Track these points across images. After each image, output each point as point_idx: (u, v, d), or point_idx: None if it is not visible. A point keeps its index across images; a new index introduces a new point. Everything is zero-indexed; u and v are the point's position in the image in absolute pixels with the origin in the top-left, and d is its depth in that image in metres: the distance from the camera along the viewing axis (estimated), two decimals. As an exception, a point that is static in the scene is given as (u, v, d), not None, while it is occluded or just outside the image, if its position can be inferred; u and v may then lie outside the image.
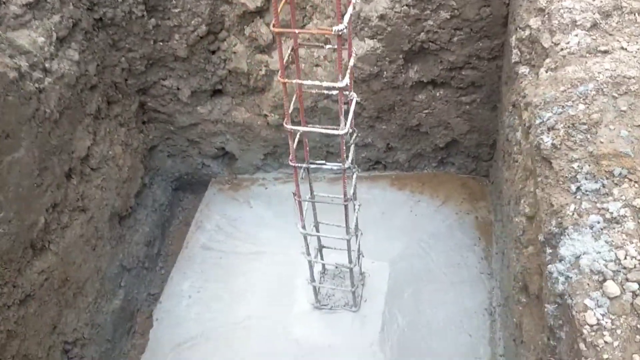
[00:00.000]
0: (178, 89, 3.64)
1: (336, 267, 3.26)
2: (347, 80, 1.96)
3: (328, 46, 2.28)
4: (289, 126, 2.16)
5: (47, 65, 2.74)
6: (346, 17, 1.82)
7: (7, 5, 2.62)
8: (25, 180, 2.58)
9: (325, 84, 1.97)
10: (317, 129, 2.21)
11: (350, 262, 2.83)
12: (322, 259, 3.10)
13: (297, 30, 1.84)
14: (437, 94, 3.44)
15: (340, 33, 1.80)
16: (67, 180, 2.95)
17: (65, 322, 2.95)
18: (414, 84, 3.39)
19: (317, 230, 2.89)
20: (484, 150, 3.72)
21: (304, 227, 2.68)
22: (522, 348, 2.41)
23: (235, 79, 3.60)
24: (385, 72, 3.31)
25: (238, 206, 3.97)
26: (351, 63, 2.06)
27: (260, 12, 3.31)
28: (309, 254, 2.86)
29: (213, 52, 3.50)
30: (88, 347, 3.15)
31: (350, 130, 2.19)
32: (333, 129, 2.19)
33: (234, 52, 3.48)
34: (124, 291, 3.49)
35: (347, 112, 2.20)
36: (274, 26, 1.84)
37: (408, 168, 3.97)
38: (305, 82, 2.00)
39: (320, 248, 3.05)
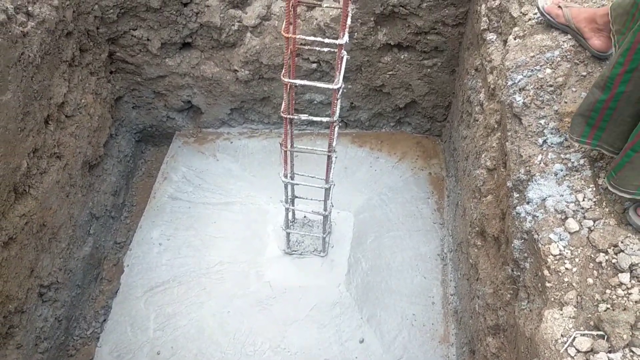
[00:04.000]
0: (148, 40, 3.65)
1: (304, 217, 3.48)
2: (347, 38, 2.13)
3: (326, 5, 2.42)
4: (286, 79, 2.32)
5: (29, 8, 2.72)
6: (351, -21, 1.98)
7: (-12, -56, 2.56)
8: (11, 124, 2.59)
9: (327, 40, 2.13)
10: (312, 83, 2.37)
11: (325, 209, 3.05)
12: (293, 206, 3.29)
13: (306, -11, 1.98)
14: (402, 57, 3.66)
15: (346, -6, 1.96)
16: (45, 126, 2.96)
17: (41, 266, 3.00)
18: (381, 46, 3.59)
19: (294, 180, 3.08)
20: (439, 111, 4.02)
21: (286, 176, 2.86)
22: (478, 284, 2.74)
23: (207, 32, 3.65)
24: (356, 34, 3.49)
25: (204, 159, 4.07)
26: (349, 22, 2.23)
27: (236, -33, 3.37)
28: (287, 202, 3.05)
29: (185, 5, 3.52)
30: (61, 291, 3.23)
31: (342, 85, 2.38)
32: (327, 83, 2.36)
33: (207, 6, 3.52)
34: (92, 239, 3.55)
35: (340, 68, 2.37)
36: (284, -17, 1.97)
37: (368, 127, 4.21)
38: (307, 37, 2.16)
39: (293, 197, 3.24)
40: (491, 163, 2.65)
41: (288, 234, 3.31)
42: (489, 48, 2.73)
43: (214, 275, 3.39)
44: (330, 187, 2.90)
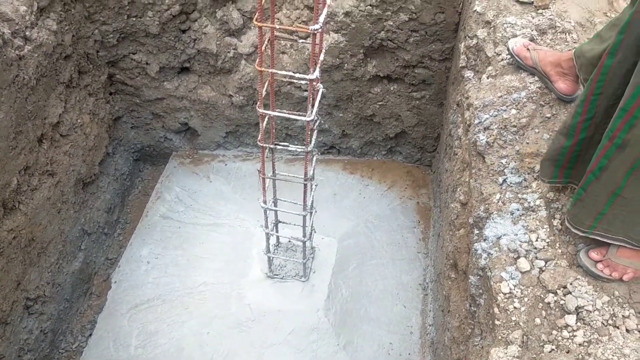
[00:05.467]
0: (147, 63, 3.79)
1: (289, 241, 3.54)
2: (317, 73, 2.22)
3: (302, 40, 2.52)
4: (261, 110, 2.41)
5: (27, 33, 2.85)
6: (321, 18, 2.07)
7: (-9, -27, 2.71)
8: (3, 142, 2.71)
9: (298, 75, 2.22)
10: (287, 114, 2.46)
11: (304, 236, 3.11)
12: (277, 232, 3.36)
13: (277, 26, 2.07)
14: (392, 88, 3.74)
15: (315, 32, 2.05)
16: (39, 145, 3.08)
17: (28, 280, 3.10)
18: (371, 77, 3.68)
19: (276, 206, 3.15)
20: (428, 142, 4.08)
21: (265, 202, 2.94)
22: (448, 317, 2.77)
23: (204, 58, 3.78)
24: (346, 65, 3.58)
25: (198, 180, 4.17)
26: (321, 57, 2.31)
27: (232, -2, 3.50)
28: (267, 227, 3.12)
29: (184, 31, 3.66)
30: (48, 304, 3.32)
31: (315, 118, 2.45)
32: (300, 114, 2.45)
33: (204, 33, 3.65)
34: (83, 254, 3.65)
35: (313, 101, 2.45)
36: (256, 20, 2.06)
37: (360, 154, 4.28)
38: (280, 72, 2.24)
39: (277, 222, 3.31)
40: (464, 197, 2.69)
41: (270, 257, 3.38)
42: (466, 85, 2.79)
43: (197, 295, 3.46)
44: (308, 214, 2.96)
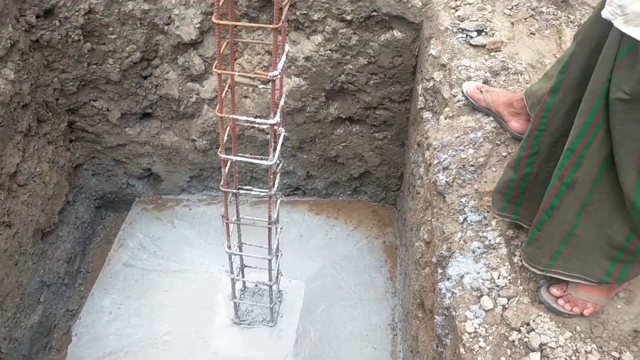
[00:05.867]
0: (108, 110, 3.76)
1: (256, 285, 3.49)
2: (278, 117, 2.24)
3: (262, 86, 2.55)
4: (222, 155, 2.40)
5: (-17, 83, 2.82)
6: (280, 65, 2.10)
7: (-54, 23, 2.69)
8: (-44, 194, 2.63)
9: (258, 120, 2.23)
10: (248, 159, 2.46)
11: (270, 280, 3.08)
12: (243, 277, 3.32)
13: (236, 73, 2.10)
14: (354, 129, 3.80)
15: (275, 78, 2.08)
16: (-5, 195, 3.00)
17: (-17, 336, 2.97)
18: (333, 119, 3.73)
19: (241, 250, 3.12)
20: (392, 181, 4.12)
21: (229, 247, 2.91)
22: (417, 357, 2.75)
23: (166, 104, 3.78)
24: (308, 107, 3.63)
25: (162, 225, 4.10)
26: (281, 102, 2.34)
27: (194, 44, 3.53)
28: (232, 272, 3.08)
29: (145, 78, 3.66)
30: (4, 362, 3.17)
31: (278, 162, 2.46)
32: (262, 158, 2.45)
33: (166, 79, 3.66)
34: (42, 307, 3.52)
35: (275, 144, 2.47)
36: (216, 67, 2.09)
37: (325, 195, 4.30)
38: (240, 117, 2.26)
39: (243, 267, 3.27)
40: (428, 236, 2.71)
41: (236, 303, 3.32)
42: (425, 126, 2.86)
43: (161, 346, 3.36)
44: (273, 258, 2.94)
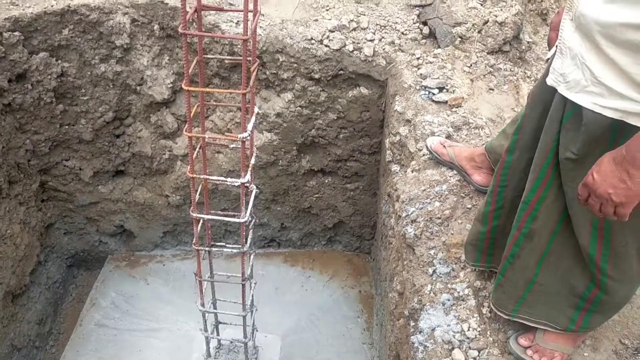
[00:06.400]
0: (80, 169, 3.77)
1: (231, 342, 3.45)
2: (249, 176, 2.29)
3: (232, 145, 2.61)
4: (194, 214, 2.43)
5: (-47, 147, 2.82)
6: (249, 126, 2.17)
7: None
8: None
9: (229, 180, 2.28)
10: (220, 217, 2.49)
11: (245, 337, 3.06)
12: (218, 334, 3.28)
13: (207, 136, 2.15)
14: (326, 181, 3.87)
15: (244, 139, 2.14)
16: (-37, 260, 2.96)
17: (-52, 408, 2.87)
18: (305, 172, 3.80)
19: (215, 307, 3.10)
20: (366, 230, 4.18)
21: (203, 304, 2.89)
22: (396, 411, 2.74)
23: (139, 161, 3.81)
24: (280, 161, 3.69)
25: (135, 283, 4.06)
26: (252, 161, 2.40)
27: (166, 103, 3.59)
28: (206, 330, 3.05)
29: (118, 136, 3.70)
30: None
31: (250, 218, 2.50)
32: (235, 215, 2.49)
33: (139, 137, 3.70)
34: (12, 372, 3.42)
35: (247, 202, 2.51)
36: (186, 131, 2.14)
37: (300, 246, 4.33)
38: (211, 178, 2.30)
39: (217, 323, 3.24)
40: (400, 287, 2.75)
41: (211, 362, 3.27)
42: (394, 178, 2.94)
43: (135, 409, 3.28)
44: (247, 314, 2.93)
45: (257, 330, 3.28)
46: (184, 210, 4.03)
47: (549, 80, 1.46)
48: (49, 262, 3.95)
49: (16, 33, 3.08)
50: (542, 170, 1.57)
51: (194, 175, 2.31)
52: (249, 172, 2.35)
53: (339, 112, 3.42)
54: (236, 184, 2.40)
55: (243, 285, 2.80)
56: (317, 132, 3.55)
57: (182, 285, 4.03)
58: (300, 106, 3.41)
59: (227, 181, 2.32)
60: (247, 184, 2.41)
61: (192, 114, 2.15)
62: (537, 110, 1.62)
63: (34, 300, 3.71)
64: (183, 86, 2.09)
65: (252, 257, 2.84)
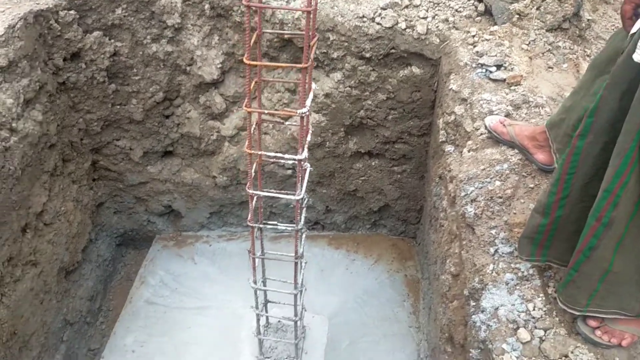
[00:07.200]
0: (130, 149, 3.82)
1: (279, 321, 3.47)
2: (306, 153, 2.27)
3: (287, 123, 2.60)
4: (250, 191, 2.43)
5: (13, 125, 2.88)
6: (308, 102, 2.15)
7: (-21, 68, 2.77)
8: (-14, 234, 2.67)
9: (287, 156, 2.27)
10: (276, 194, 2.49)
11: (295, 315, 3.06)
12: (267, 312, 3.30)
13: (265, 111, 2.14)
14: (373, 163, 3.84)
15: (303, 115, 2.13)
16: (22, 235, 3.03)
17: (8, 378, 2.96)
18: (352, 154, 3.77)
19: (265, 285, 3.11)
20: (412, 214, 4.13)
21: (255, 282, 2.91)
22: (448, 392, 2.71)
23: (187, 142, 3.84)
24: (327, 143, 3.67)
25: (182, 262, 4.11)
26: (308, 138, 2.38)
27: (215, 84, 3.61)
28: (257, 308, 3.07)
29: (167, 117, 3.74)
30: (27, 404, 3.15)
31: (304, 196, 2.49)
32: (289, 193, 2.48)
33: (188, 118, 3.73)
34: (65, 346, 3.51)
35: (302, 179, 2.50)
36: (245, 105, 2.13)
37: (344, 229, 4.31)
38: (269, 153, 2.30)
39: (266, 302, 3.25)
40: (455, 269, 2.71)
41: (261, 340, 3.29)
42: (447, 159, 2.88)
43: (185, 384, 3.33)
44: (298, 293, 2.93)
45: (305, 310, 3.29)
46: (230, 192, 4.05)
47: (637, 57, 1.39)
48: (99, 240, 4.03)
49: (72, 12, 3.12)
50: (627, 154, 1.47)
51: (252, 151, 2.31)
52: (305, 149, 2.34)
53: (389, 92, 3.37)
54: (289, 162, 2.39)
55: (296, 264, 2.80)
56: (365, 113, 3.51)
57: (229, 265, 4.07)
58: (349, 86, 3.38)
59: (284, 157, 2.31)
60: (303, 161, 2.40)
61: (250, 90, 2.14)
62: (619, 90, 1.51)
63: (85, 277, 3.79)
64: (244, 60, 2.09)
65: (303, 236, 2.84)
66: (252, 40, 2.05)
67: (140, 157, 3.85)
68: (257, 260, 2.88)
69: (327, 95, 3.43)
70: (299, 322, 3.16)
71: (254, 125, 2.39)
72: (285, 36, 3.20)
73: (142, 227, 4.31)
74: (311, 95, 2.22)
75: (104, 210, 4.09)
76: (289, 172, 3.88)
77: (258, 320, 3.17)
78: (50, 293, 3.32)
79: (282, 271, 3.11)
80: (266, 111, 2.18)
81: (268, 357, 3.33)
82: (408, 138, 3.61)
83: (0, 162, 2.74)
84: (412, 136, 3.60)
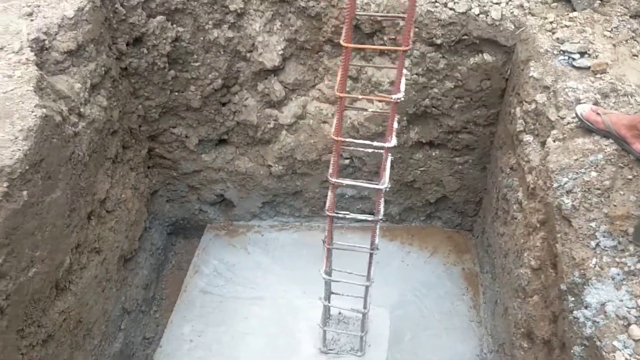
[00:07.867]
0: (186, 136, 3.78)
1: (340, 313, 3.41)
2: (394, 141, 2.20)
3: (371, 109, 2.53)
4: (334, 179, 2.37)
5: (81, 110, 2.84)
6: (402, 87, 2.08)
7: (50, 52, 2.72)
8: (59, 220, 2.63)
9: (375, 144, 2.20)
10: (359, 184, 2.42)
11: (364, 307, 3.00)
12: (330, 304, 3.24)
13: (360, 97, 2.07)
14: (433, 154, 3.74)
15: (398, 100, 2.05)
16: (88, 222, 3.00)
17: (73, 365, 2.94)
18: (413, 144, 3.68)
19: (330, 276, 3.05)
20: (470, 206, 4.04)
21: (327, 273, 2.85)
22: (527, 389, 2.64)
23: (243, 130, 3.78)
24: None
25: (235, 252, 4.07)
26: (395, 125, 2.30)
27: (275, 71, 3.54)
28: (326, 299, 3.01)
29: (224, 104, 3.67)
30: (90, 391, 3.13)
31: (388, 186, 2.42)
32: (373, 183, 2.41)
33: (245, 105, 3.66)
34: (123, 334, 3.49)
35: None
36: (338, 90, 2.06)
37: (398, 220, 4.23)
38: (357, 141, 2.23)
39: (330, 294, 3.20)
40: (535, 263, 2.62)
41: (324, 331, 3.24)
42: (525, 149, 2.79)
43: (246, 375, 3.29)
44: (370, 284, 2.87)
45: (370, 303, 3.23)
46: (285, 181, 3.99)
47: None
48: (152, 228, 4.00)
49: (137, -5, 3.07)
50: None
51: (339, 139, 2.24)
52: (394, 137, 2.27)
53: (458, 80, 3.28)
54: (372, 149, 2.32)
55: (371, 255, 2.74)
56: (430, 101, 3.42)
57: (282, 255, 4.02)
58: (416, 74, 3.29)
59: (372, 145, 2.24)
60: (392, 149, 2.33)
61: (345, 74, 2.07)
62: None
63: (140, 265, 3.77)
64: (342, 42, 2.02)
65: (378, 227, 2.77)
66: (349, 23, 1.98)
67: (195, 145, 3.81)
68: (327, 250, 2.82)
69: (391, 84, 3.34)
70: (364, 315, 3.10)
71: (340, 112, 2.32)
72: (378, 19, 3.09)
73: (193, 216, 4.27)
74: (404, 81, 2.14)
75: (157, 199, 4.06)
76: (347, 161, 3.81)
77: (325, 311, 3.12)
78: (111, 281, 3.29)
79: (345, 262, 3.06)
80: (359, 96, 2.11)
81: (332, 349, 3.29)
82: (473, 128, 3.51)
83: (70, 147, 2.70)
84: (477, 126, 3.50)
